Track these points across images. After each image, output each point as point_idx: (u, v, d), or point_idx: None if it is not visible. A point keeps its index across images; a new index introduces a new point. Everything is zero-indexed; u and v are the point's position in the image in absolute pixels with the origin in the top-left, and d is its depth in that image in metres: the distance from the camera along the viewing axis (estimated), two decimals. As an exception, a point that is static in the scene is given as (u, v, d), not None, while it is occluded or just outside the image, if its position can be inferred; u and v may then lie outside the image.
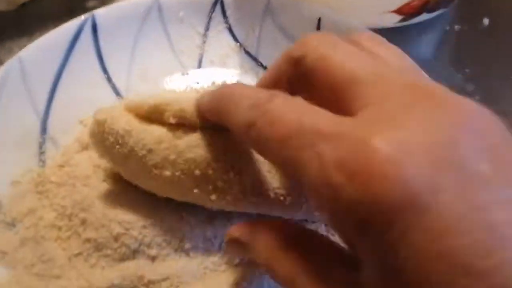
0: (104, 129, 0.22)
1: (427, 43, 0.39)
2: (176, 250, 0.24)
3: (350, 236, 0.14)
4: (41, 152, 0.27)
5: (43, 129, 0.28)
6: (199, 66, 0.32)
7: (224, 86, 0.21)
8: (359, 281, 0.14)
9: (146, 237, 0.24)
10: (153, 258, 0.24)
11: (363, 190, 0.13)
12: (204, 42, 0.33)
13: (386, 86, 0.15)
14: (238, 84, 0.21)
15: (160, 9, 0.32)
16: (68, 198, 0.25)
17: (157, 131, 0.22)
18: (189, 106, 0.21)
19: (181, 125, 0.22)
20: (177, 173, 0.22)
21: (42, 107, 0.28)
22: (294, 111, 0.16)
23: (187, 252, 0.24)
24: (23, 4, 0.37)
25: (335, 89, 0.16)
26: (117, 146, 0.22)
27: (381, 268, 0.13)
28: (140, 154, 0.22)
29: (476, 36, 0.38)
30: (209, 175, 0.21)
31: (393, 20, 0.34)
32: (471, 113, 0.14)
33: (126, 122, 0.22)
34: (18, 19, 0.36)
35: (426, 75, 0.18)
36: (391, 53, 0.18)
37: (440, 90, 0.15)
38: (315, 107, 0.16)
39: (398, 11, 0.33)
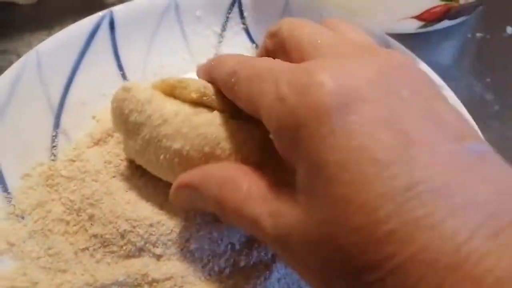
0: (127, 97, 0.23)
1: (447, 51, 0.38)
2: (181, 250, 0.24)
3: (288, 144, 0.17)
4: (53, 146, 0.27)
5: (56, 123, 0.28)
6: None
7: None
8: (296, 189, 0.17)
9: (152, 236, 0.23)
10: (158, 257, 0.24)
11: (303, 96, 0.16)
12: (220, 42, 0.32)
13: (338, 46, 0.19)
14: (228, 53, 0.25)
15: (177, 7, 0.32)
16: (77, 192, 0.25)
17: (176, 105, 0.23)
18: (210, 86, 0.23)
19: (201, 105, 0.23)
20: (186, 147, 0.22)
21: (56, 101, 0.28)
22: (268, 60, 0.20)
23: (192, 253, 0.24)
24: (44, -1, 0.37)
25: (301, 53, 0.20)
26: (135, 114, 0.23)
27: (309, 166, 0.16)
28: (155, 124, 0.23)
29: (498, 45, 0.37)
30: (216, 154, 0.22)
31: (413, 26, 0.33)
32: (401, 61, 0.18)
33: (149, 93, 0.23)
34: (38, 13, 0.37)
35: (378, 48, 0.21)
36: (351, 30, 0.22)
37: (378, 48, 0.20)
38: (284, 61, 0.19)
39: (419, 17, 0.32)
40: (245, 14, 0.33)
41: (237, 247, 0.24)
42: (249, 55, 0.22)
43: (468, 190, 0.14)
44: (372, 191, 0.14)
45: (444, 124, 0.16)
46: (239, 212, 0.19)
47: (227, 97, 0.22)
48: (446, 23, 0.35)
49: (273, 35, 0.23)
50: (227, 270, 0.24)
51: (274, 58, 0.20)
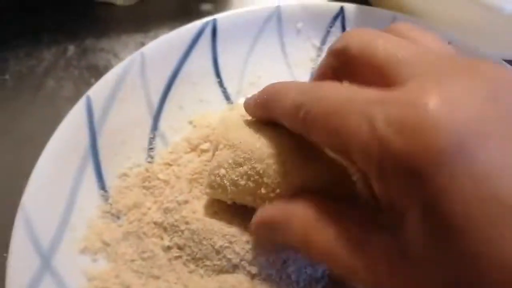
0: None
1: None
2: (277, 271, 0.23)
3: (396, 188, 0.14)
4: (150, 148, 0.27)
5: (155, 126, 0.28)
6: (311, 79, 0.31)
7: (268, 85, 0.21)
8: (401, 239, 0.14)
9: (248, 253, 0.23)
10: (253, 276, 0.23)
11: (413, 140, 0.13)
12: (318, 56, 0.31)
13: (428, 62, 0.16)
14: (281, 81, 0.21)
15: (279, 18, 0.31)
16: (173, 200, 0.25)
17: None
18: None
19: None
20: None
21: (156, 104, 0.28)
22: (341, 89, 0.17)
23: (289, 275, 0.23)
24: (142, 1, 0.38)
25: (379, 70, 0.17)
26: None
27: (428, 215, 0.13)
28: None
29: None
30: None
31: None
32: (509, 77, 0.15)
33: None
34: (136, 14, 0.38)
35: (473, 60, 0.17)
36: (431, 39, 0.19)
37: (478, 62, 0.16)
38: (361, 86, 0.16)
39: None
40: (347, 29, 0.31)
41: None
42: (309, 83, 0.19)
43: None
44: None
45: None
46: (328, 257, 0.17)
47: (296, 132, 0.19)
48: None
49: (339, 53, 0.19)
50: (322, 300, 0.22)
51: (339, 80, 0.18)
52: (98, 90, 0.27)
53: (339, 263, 0.17)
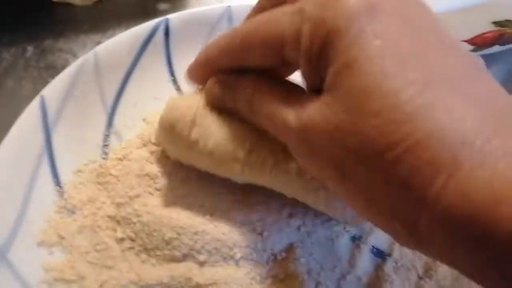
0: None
1: (494, 75, 0.37)
2: (225, 259, 0.24)
3: (318, 54, 0.18)
4: (105, 145, 0.28)
5: (109, 123, 0.29)
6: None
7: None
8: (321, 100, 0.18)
9: (197, 244, 0.24)
10: (201, 263, 0.24)
11: (330, 7, 0.17)
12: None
13: None
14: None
15: (230, 18, 0.32)
16: (124, 194, 0.26)
17: None
18: None
19: None
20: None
21: (110, 102, 0.29)
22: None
23: (236, 261, 0.24)
24: (100, 1, 0.39)
25: None
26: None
27: (340, 64, 0.17)
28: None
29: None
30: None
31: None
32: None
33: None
34: (93, 15, 0.38)
35: None
36: None
37: None
38: None
39: (470, 41, 0.32)
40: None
41: (279, 258, 0.25)
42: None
43: (474, 87, 0.16)
44: (393, 80, 0.15)
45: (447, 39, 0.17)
46: (271, 115, 0.20)
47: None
48: (495, 49, 0.34)
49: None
50: (268, 281, 0.24)
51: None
52: (52, 90, 0.28)
53: (277, 118, 0.20)
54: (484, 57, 0.35)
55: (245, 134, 0.23)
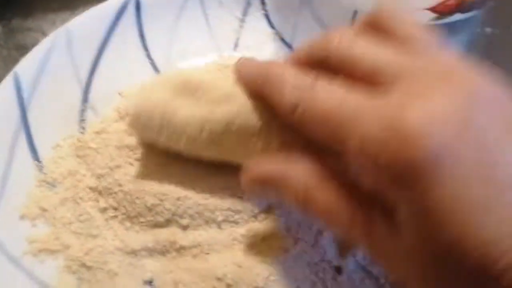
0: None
1: (456, 44, 0.39)
2: (207, 222, 0.25)
3: (388, 188, 0.17)
4: (82, 120, 0.29)
5: (85, 98, 0.29)
6: (235, 50, 0.33)
7: (270, 63, 0.22)
8: (395, 221, 0.17)
9: (179, 209, 0.25)
10: (184, 227, 0.25)
11: (397, 153, 0.16)
12: (241, 27, 0.33)
13: (408, 67, 0.18)
14: (282, 65, 0.22)
15: (201, -10, 0.33)
16: (105, 166, 0.26)
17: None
18: None
19: None
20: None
21: (84, 77, 0.29)
22: (334, 92, 0.19)
23: (218, 224, 0.25)
24: (67, -21, 0.38)
25: (362, 79, 0.19)
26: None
27: (418, 209, 0.16)
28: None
29: (508, 40, 0.38)
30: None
31: (427, 18, 0.34)
32: (484, 84, 0.17)
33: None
34: (62, -7, 0.38)
35: (447, 49, 0.20)
36: (409, 26, 0.20)
37: (454, 68, 0.18)
38: (350, 91, 0.19)
39: (432, 9, 0.33)
40: (266, 0, 0.34)
41: (259, 218, 0.26)
42: (303, 76, 0.20)
43: None
44: (484, 233, 0.15)
45: None
46: (327, 215, 0.19)
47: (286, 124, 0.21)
48: (457, 17, 0.36)
49: (322, 61, 0.21)
50: (249, 240, 0.25)
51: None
52: (25, 66, 0.28)
53: (338, 221, 0.19)
54: (447, 26, 0.37)
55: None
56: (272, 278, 0.24)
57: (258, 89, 0.22)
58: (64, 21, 0.36)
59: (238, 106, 0.23)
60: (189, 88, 0.23)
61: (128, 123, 0.25)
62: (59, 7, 0.37)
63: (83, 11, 0.36)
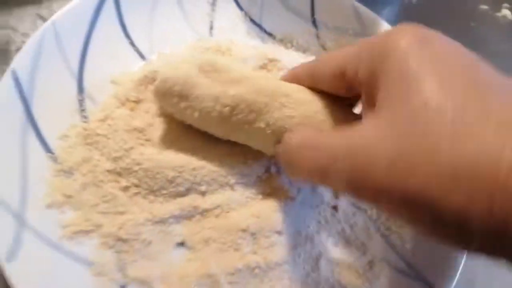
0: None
1: (386, 16, 0.45)
2: (222, 186, 0.28)
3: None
4: (82, 109, 0.30)
5: (80, 89, 0.30)
6: (211, 32, 0.36)
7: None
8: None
9: (197, 178, 0.28)
10: (203, 193, 0.28)
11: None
12: (213, 10, 0.36)
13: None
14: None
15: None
16: (119, 149, 0.28)
17: None
18: None
19: None
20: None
21: (76, 68, 0.31)
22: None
23: (231, 186, 0.29)
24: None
25: None
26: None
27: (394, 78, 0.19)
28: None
29: (432, 9, 0.45)
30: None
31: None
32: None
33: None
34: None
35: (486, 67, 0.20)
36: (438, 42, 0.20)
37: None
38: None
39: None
40: (232, -16, 0.37)
41: (263, 178, 0.30)
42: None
43: None
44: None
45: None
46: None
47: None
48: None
49: (351, 80, 0.23)
50: (260, 197, 0.29)
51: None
52: (20, 62, 0.28)
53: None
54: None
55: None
56: (286, 222, 0.28)
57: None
58: (31, 15, 0.36)
59: (247, 89, 0.26)
60: (209, 69, 0.26)
61: (154, 88, 0.28)
62: (25, 1, 0.36)
63: (50, 3, 0.37)
